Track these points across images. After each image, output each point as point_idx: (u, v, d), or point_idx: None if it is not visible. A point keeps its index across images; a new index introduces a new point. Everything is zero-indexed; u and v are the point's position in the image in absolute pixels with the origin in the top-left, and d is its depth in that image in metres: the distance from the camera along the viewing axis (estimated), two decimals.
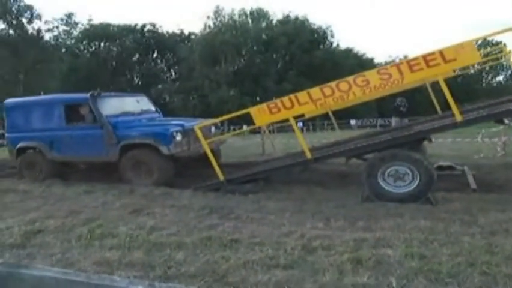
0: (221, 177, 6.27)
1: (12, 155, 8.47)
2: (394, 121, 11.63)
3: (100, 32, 45.42)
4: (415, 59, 5.16)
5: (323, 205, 5.15)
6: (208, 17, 45.18)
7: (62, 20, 39.03)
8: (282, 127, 13.92)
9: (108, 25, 46.25)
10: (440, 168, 6.73)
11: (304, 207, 5.14)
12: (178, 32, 49.90)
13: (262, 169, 6.30)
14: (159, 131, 7.16)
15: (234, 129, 38.58)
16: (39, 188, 7.12)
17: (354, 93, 5.38)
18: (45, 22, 39.57)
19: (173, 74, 51.02)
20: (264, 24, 44.69)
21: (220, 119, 7.20)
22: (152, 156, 7.08)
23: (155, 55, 50.32)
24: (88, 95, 7.56)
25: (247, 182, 6.24)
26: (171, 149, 6.91)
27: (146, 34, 48.13)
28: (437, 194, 5.27)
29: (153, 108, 9.09)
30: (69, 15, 41.04)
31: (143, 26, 47.93)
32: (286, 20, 43.79)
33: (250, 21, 45.11)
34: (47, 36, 41.84)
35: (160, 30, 48.96)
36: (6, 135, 8.67)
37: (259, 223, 4.60)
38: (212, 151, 6.61)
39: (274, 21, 44.89)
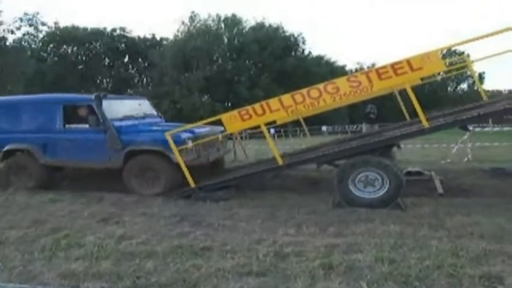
0: (192, 185, 6.19)
1: None
2: (365, 127, 11.85)
3: (67, 36, 44.30)
4: (384, 67, 5.28)
5: (294, 211, 5.17)
6: (182, 22, 44.98)
7: (23, 20, 37.21)
8: (254, 133, 13.93)
9: (76, 28, 45.20)
10: (409, 173, 6.91)
11: (276, 213, 5.14)
12: (149, 36, 49.38)
13: (234, 176, 6.26)
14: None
15: None
16: (1, 196, 6.76)
17: (324, 100, 5.44)
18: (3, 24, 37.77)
19: (145, 79, 50.34)
20: (236, 31, 44.82)
21: (191, 125, 6.97)
22: (160, 164, 6.61)
23: (126, 60, 49.54)
24: (93, 96, 7.11)
25: (218, 189, 6.18)
26: (182, 157, 6.32)
27: (116, 38, 47.32)
28: (406, 199, 5.39)
29: (155, 113, 8.58)
30: (32, 17, 39.45)
31: (113, 30, 47.12)
32: (259, 27, 44.10)
33: (223, 27, 45.15)
34: (11, 39, 40.26)
35: (130, 35, 48.27)
36: None
37: (231, 230, 4.56)
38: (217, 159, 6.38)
39: (247, 28, 45.11)
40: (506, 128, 19.85)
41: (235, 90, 40.14)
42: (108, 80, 48.32)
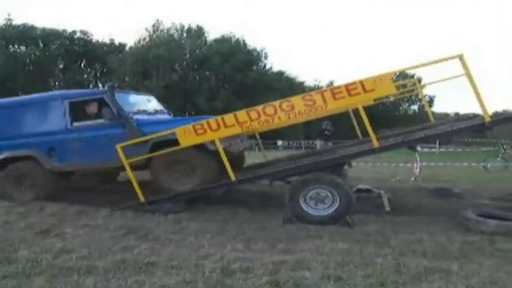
0: (141, 199, 5.99)
1: None
2: (319, 144, 12.09)
3: (21, 34, 42.28)
4: (338, 87, 5.40)
5: (244, 226, 5.13)
6: (146, 29, 44.29)
7: None
8: None
9: (31, 27, 43.27)
10: (359, 191, 7.05)
11: (226, 228, 5.08)
12: (109, 41, 48.14)
13: (186, 191, 6.10)
14: None
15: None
16: None
17: (279, 117, 5.48)
18: None
19: (102, 85, 48.90)
20: (200, 42, 44.68)
21: (144, 138, 6.19)
22: (195, 155, 6.06)
23: (83, 64, 47.93)
24: (106, 87, 6.63)
25: (168, 202, 6.02)
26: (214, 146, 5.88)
27: (76, 41, 45.77)
28: (355, 216, 5.49)
29: (164, 109, 7.91)
30: None
31: (73, 32, 45.54)
32: (222, 39, 44.19)
33: (186, 37, 44.88)
34: None
35: (90, 38, 46.85)
36: None
37: (179, 245, 4.45)
38: (234, 156, 6.14)
39: (210, 40, 45.09)
40: (451, 149, 20.98)
41: (195, 100, 39.78)
42: (61, 83, 46.38)
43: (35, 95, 7.53)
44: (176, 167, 6.19)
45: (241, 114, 5.55)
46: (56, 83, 46.50)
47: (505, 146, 15.70)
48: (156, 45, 41.44)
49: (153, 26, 44.71)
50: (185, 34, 45.50)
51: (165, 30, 44.73)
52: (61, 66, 46.87)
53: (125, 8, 77.50)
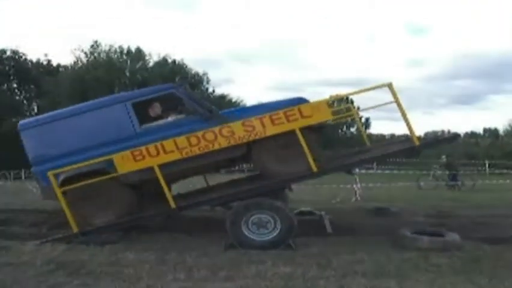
0: (74, 229, 5.59)
1: (49, 196, 5.81)
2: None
3: None
4: (277, 113, 5.49)
5: (185, 254, 4.94)
6: (82, 50, 42.79)
7: None
8: None
9: None
10: (301, 213, 7.11)
11: (166, 257, 4.86)
12: (44, 62, 45.84)
13: (123, 220, 5.77)
14: None
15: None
16: None
17: (219, 143, 5.46)
18: None
19: (36, 107, 46.14)
20: (141, 65, 43.92)
21: (80, 164, 5.66)
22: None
23: (14, 85, 45.05)
24: (178, 81, 5.87)
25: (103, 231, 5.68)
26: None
27: (6, 61, 43.05)
28: (298, 239, 5.49)
29: None
30: None
31: (3, 51, 42.85)
32: (163, 63, 43.77)
33: (126, 59, 43.93)
34: None
35: (24, 58, 44.32)
36: (33, 169, 5.99)
37: (115, 278, 4.19)
38: None
39: (151, 63, 44.48)
40: (387, 171, 22.08)
41: None
42: None
43: (92, 101, 6.49)
44: (284, 152, 5.73)
45: (181, 140, 5.46)
46: None
47: (435, 166, 16.78)
48: (94, 67, 40.18)
49: (91, 46, 43.39)
50: (125, 56, 44.60)
51: (103, 52, 43.54)
52: None
53: (63, 28, 74.43)
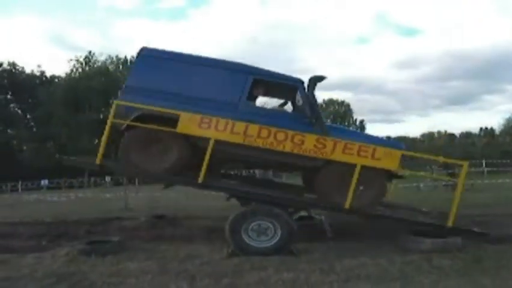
0: (98, 161, 5.57)
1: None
2: (258, 173, 12.10)
3: None
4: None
5: (187, 263, 4.89)
6: (77, 61, 42.81)
7: None
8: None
9: None
10: (302, 218, 7.09)
11: (168, 266, 4.79)
12: (38, 73, 45.74)
13: (166, 176, 5.70)
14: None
15: (95, 181, 35.78)
16: None
17: (306, 149, 5.48)
18: None
19: (30, 118, 45.95)
20: None
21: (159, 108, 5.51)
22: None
23: (9, 96, 44.88)
24: (301, 79, 5.73)
25: (105, 241, 5.65)
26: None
27: (1, 74, 42.98)
28: (299, 245, 5.47)
29: None
30: None
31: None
32: None
33: (122, 69, 43.92)
34: None
35: (20, 70, 44.25)
36: (122, 96, 5.92)
37: None
38: None
39: None
40: None
41: None
42: None
43: (222, 59, 6.08)
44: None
45: (253, 127, 5.40)
46: None
47: (433, 167, 16.84)
48: (88, 77, 40.15)
49: (85, 57, 43.44)
50: (121, 66, 44.62)
51: (99, 62, 43.59)
52: None
53: (55, 38, 74.45)
